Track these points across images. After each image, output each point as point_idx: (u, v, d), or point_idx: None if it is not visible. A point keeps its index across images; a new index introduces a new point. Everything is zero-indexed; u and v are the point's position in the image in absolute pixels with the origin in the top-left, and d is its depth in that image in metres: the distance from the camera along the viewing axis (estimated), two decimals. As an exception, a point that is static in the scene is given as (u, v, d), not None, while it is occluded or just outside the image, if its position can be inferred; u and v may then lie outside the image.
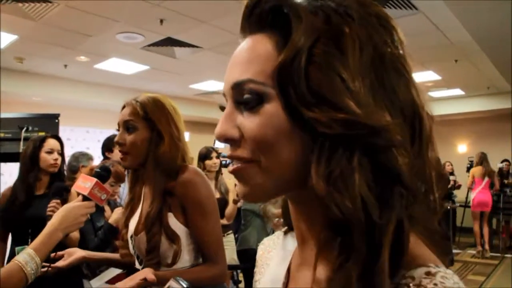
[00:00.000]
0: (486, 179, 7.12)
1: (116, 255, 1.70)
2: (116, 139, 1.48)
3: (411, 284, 0.41)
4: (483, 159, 7.20)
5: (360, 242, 0.41)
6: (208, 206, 1.44)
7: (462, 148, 9.92)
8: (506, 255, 7.12)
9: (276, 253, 0.65)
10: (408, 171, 0.43)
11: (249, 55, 0.49)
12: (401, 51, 0.48)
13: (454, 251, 7.19)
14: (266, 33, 0.49)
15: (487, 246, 7.09)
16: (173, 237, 1.40)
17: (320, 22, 0.45)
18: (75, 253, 1.61)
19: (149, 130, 1.45)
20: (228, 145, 0.51)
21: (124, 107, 1.52)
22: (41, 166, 2.47)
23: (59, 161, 2.51)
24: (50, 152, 2.47)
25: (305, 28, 0.45)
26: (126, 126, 1.47)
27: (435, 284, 0.40)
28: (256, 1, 0.50)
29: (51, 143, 2.51)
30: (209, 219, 1.43)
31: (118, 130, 1.50)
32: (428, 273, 0.41)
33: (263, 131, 0.46)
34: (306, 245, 0.54)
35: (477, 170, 7.16)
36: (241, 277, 4.27)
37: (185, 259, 1.44)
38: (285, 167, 0.47)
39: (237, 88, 0.49)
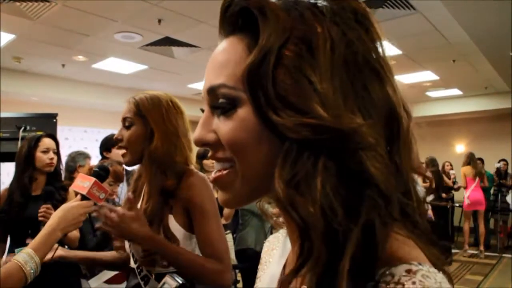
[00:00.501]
0: (477, 178, 7.17)
1: (107, 255, 1.71)
2: (115, 136, 1.51)
3: (390, 282, 0.39)
4: (471, 159, 7.26)
5: (319, 246, 0.41)
6: (211, 210, 1.45)
7: (460, 148, 9.94)
8: (503, 255, 7.14)
9: (278, 250, 0.66)
10: (381, 174, 0.42)
11: (222, 58, 0.49)
12: (378, 48, 0.47)
13: (452, 251, 7.21)
14: (238, 35, 0.49)
15: (482, 247, 7.12)
16: (172, 240, 1.40)
17: (291, 21, 0.44)
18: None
19: (144, 127, 1.47)
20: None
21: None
22: (37, 165, 2.45)
23: (54, 160, 2.48)
24: (46, 151, 2.45)
25: (274, 28, 0.44)
26: (124, 123, 1.50)
27: (414, 283, 0.38)
28: (228, 4, 0.49)
29: (46, 142, 2.48)
30: (212, 222, 1.44)
31: None
32: (408, 271, 0.40)
33: (235, 135, 0.46)
34: (296, 246, 0.53)
35: (467, 170, 7.21)
36: (239, 277, 4.27)
37: None
38: (259, 170, 0.47)
39: (212, 93, 0.48)
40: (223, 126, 0.47)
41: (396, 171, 0.44)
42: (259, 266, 0.69)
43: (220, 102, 0.47)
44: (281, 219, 0.61)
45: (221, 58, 0.49)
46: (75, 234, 2.38)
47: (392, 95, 0.46)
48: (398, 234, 0.44)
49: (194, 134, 0.51)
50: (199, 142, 0.50)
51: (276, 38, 0.44)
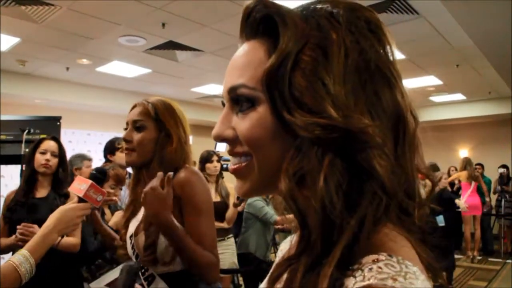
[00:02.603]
0: (474, 183, 7.14)
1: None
2: (123, 136, 1.51)
3: (355, 269, 0.41)
4: (467, 164, 7.25)
5: (315, 237, 0.43)
6: (203, 205, 1.44)
7: (464, 153, 9.90)
8: (507, 261, 7.10)
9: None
10: (386, 171, 0.44)
11: (244, 60, 0.53)
12: (389, 56, 0.50)
13: (456, 256, 7.18)
14: (259, 39, 0.52)
15: (475, 252, 7.17)
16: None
17: (309, 28, 0.48)
18: None
19: (158, 131, 1.49)
20: (228, 145, 0.55)
21: (134, 106, 1.56)
22: (35, 167, 2.47)
23: (51, 162, 2.47)
24: (44, 152, 2.46)
25: (293, 34, 0.48)
26: (135, 125, 1.50)
27: (371, 269, 0.40)
28: (249, 10, 0.53)
29: (46, 144, 2.50)
30: (203, 218, 1.43)
31: (126, 129, 1.53)
32: (375, 260, 0.41)
33: (253, 132, 0.50)
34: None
35: (463, 174, 7.19)
36: (241, 280, 4.26)
37: (179, 259, 1.43)
38: (273, 164, 0.50)
39: (232, 92, 0.52)
40: (242, 123, 0.51)
41: (401, 171, 0.47)
42: (274, 265, 0.70)
43: (239, 101, 0.52)
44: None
45: (242, 60, 0.53)
46: (77, 240, 2.37)
47: (401, 100, 0.49)
48: (391, 230, 0.45)
49: (213, 130, 0.54)
50: (218, 138, 0.54)
51: (294, 44, 0.47)
